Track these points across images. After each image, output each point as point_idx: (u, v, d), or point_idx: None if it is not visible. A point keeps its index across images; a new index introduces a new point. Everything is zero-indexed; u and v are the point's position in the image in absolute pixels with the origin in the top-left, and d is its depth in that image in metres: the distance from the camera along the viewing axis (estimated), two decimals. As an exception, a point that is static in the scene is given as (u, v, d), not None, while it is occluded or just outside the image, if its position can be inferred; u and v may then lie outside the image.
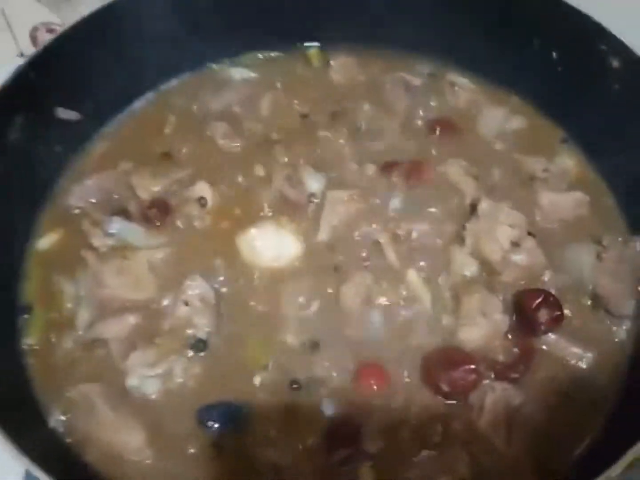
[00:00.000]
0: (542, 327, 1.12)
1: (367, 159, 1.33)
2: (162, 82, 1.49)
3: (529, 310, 1.12)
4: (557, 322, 1.12)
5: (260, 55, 1.53)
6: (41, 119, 1.29)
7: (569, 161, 1.33)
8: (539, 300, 1.12)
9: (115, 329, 1.12)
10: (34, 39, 1.84)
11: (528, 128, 1.39)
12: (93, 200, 1.28)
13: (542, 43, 1.38)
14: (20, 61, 1.82)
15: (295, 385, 1.09)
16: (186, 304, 1.14)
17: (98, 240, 1.20)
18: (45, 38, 1.82)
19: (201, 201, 1.27)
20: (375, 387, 1.09)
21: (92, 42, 1.32)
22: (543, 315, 1.12)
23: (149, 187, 1.28)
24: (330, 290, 1.18)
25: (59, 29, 1.77)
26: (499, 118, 1.40)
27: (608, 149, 1.31)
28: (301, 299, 1.18)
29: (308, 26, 1.53)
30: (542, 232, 1.23)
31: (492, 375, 1.09)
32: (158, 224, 1.25)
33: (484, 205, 1.21)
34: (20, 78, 1.22)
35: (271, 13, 1.47)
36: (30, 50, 1.83)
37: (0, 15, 1.77)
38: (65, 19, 1.78)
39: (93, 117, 1.40)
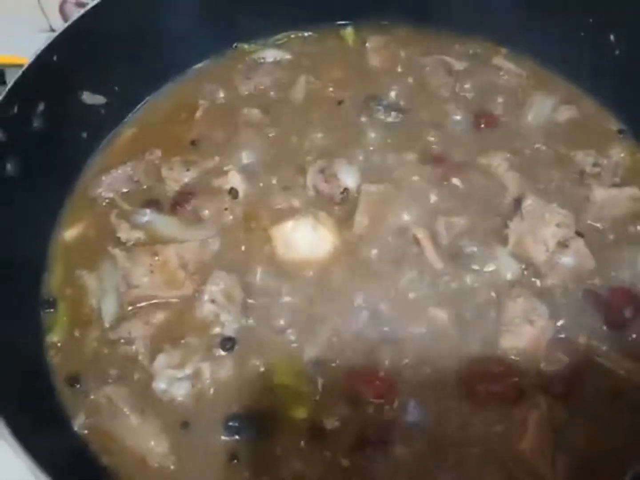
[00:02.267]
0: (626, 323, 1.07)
1: (405, 149, 1.26)
2: (192, 65, 1.43)
3: (618, 305, 1.07)
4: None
5: (293, 36, 1.46)
6: (66, 105, 1.25)
7: (623, 154, 1.24)
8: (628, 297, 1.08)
9: (141, 328, 1.08)
10: (63, 13, 1.80)
11: (579, 118, 1.30)
12: (122, 190, 1.24)
13: (598, 23, 1.28)
14: (51, 36, 1.82)
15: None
16: (212, 301, 1.10)
17: (125, 234, 1.16)
18: (75, 12, 1.78)
19: (232, 192, 1.21)
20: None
21: (117, 21, 1.26)
22: (629, 312, 1.07)
23: (179, 177, 1.24)
24: (367, 290, 1.12)
25: (89, 3, 1.74)
26: (548, 107, 1.31)
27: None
28: (336, 298, 1.12)
29: (343, 3, 1.45)
30: (592, 232, 1.16)
31: (536, 389, 1.02)
32: (189, 215, 1.20)
33: (529, 203, 1.14)
34: (42, 61, 1.16)
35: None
36: (59, 24, 1.79)
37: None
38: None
39: (120, 102, 1.35)
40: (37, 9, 1.78)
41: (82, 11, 1.22)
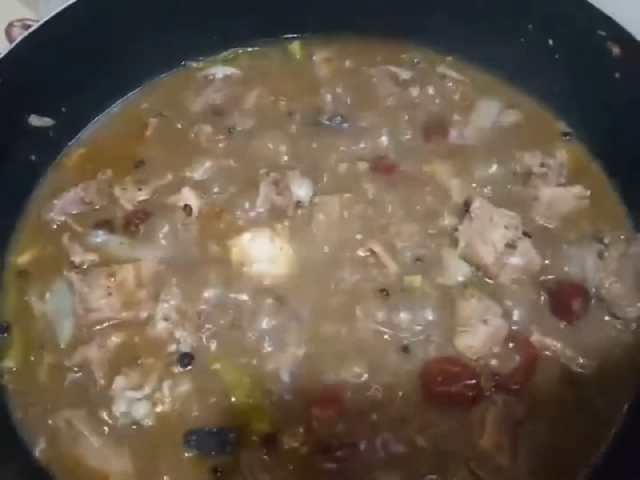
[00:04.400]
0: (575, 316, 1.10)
1: (355, 159, 1.27)
2: (141, 83, 1.42)
3: (566, 299, 1.10)
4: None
5: (241, 51, 1.47)
6: (12, 128, 1.23)
7: (568, 154, 1.27)
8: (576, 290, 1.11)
9: (98, 351, 1.08)
10: (9, 36, 1.78)
11: (524, 121, 1.33)
12: (74, 212, 1.23)
13: (537, 29, 1.31)
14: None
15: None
16: (165, 319, 1.10)
17: (79, 257, 1.16)
18: (21, 35, 1.76)
19: (186, 209, 1.21)
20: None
21: (64, 42, 1.26)
22: (577, 304, 1.10)
23: (132, 196, 1.23)
24: (323, 300, 1.13)
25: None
26: (493, 112, 1.34)
27: (610, 141, 1.25)
28: (292, 309, 1.12)
29: (288, 18, 1.46)
30: (540, 230, 1.19)
31: (493, 387, 1.04)
32: (142, 234, 1.20)
33: (476, 206, 1.16)
34: (-13, 84, 1.15)
35: (249, 6, 1.40)
36: (4, 47, 1.77)
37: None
38: (41, 15, 1.71)
39: (68, 123, 1.34)
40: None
41: (25, 33, 1.21)
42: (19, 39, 1.21)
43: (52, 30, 1.23)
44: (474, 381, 1.04)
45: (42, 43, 1.23)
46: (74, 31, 1.27)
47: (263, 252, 1.17)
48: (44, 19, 1.23)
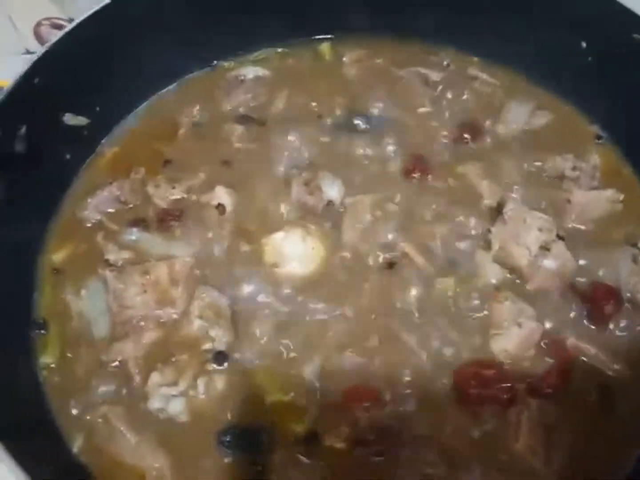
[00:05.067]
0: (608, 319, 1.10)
1: (387, 160, 1.28)
2: (173, 82, 1.44)
3: (599, 302, 1.10)
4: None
5: (270, 51, 1.48)
6: (48, 127, 1.25)
7: (600, 158, 1.27)
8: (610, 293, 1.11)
9: (133, 348, 1.09)
10: (38, 35, 1.80)
11: (555, 123, 1.33)
12: (109, 210, 1.24)
13: (570, 32, 1.31)
14: (25, 58, 1.81)
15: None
16: (200, 317, 1.11)
17: (114, 255, 1.17)
18: (50, 33, 1.78)
19: (219, 207, 1.22)
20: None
21: (98, 42, 1.26)
22: (610, 308, 1.10)
23: (165, 195, 1.24)
24: (356, 301, 1.14)
25: (64, 24, 1.74)
26: (524, 114, 1.34)
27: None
28: (326, 310, 1.13)
29: (318, 18, 1.47)
30: (573, 234, 1.19)
31: (526, 390, 1.04)
32: (176, 232, 1.21)
33: (510, 208, 1.16)
34: (23, 85, 1.16)
35: (279, 6, 1.41)
36: (34, 46, 1.79)
37: (2, 10, 1.72)
38: (69, 13, 1.73)
39: (102, 122, 1.35)
40: (11, 31, 1.78)
41: (60, 33, 1.22)
42: (54, 39, 1.21)
43: (86, 30, 1.24)
44: (508, 384, 1.04)
45: (77, 43, 1.23)
46: (108, 31, 1.27)
47: (295, 251, 1.18)
48: (79, 20, 1.23)
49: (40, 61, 1.19)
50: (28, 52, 1.81)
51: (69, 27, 1.23)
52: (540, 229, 1.13)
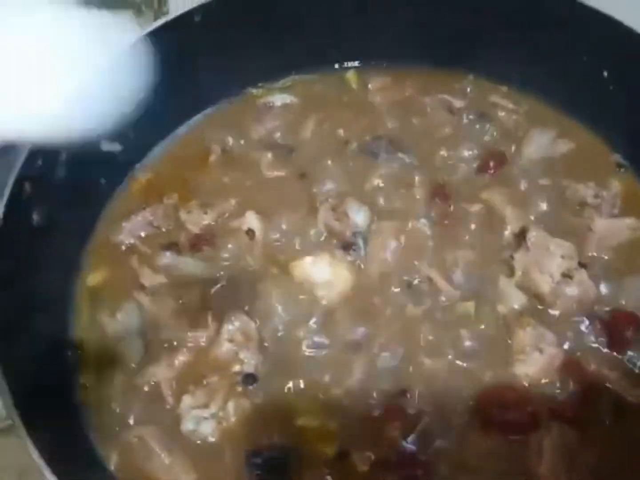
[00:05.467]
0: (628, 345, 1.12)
1: (412, 187, 1.31)
2: (204, 110, 1.48)
3: (621, 328, 1.12)
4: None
5: (298, 79, 1.52)
6: (86, 153, 1.29)
7: (621, 185, 1.30)
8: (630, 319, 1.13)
9: (166, 370, 1.12)
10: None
11: (577, 151, 1.36)
12: (142, 234, 1.29)
13: (591, 61, 1.34)
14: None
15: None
16: (230, 340, 1.14)
17: (148, 279, 1.21)
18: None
19: (249, 232, 1.26)
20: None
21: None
22: (631, 333, 1.12)
23: (197, 220, 1.28)
24: (380, 325, 1.17)
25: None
26: (546, 141, 1.37)
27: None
28: (352, 333, 1.17)
29: (344, 46, 1.51)
30: (594, 261, 1.21)
31: (549, 415, 1.07)
32: (208, 256, 1.25)
33: (533, 235, 1.19)
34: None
35: (306, 34, 1.45)
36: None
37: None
38: (99, 35, 1.78)
39: (135, 148, 1.39)
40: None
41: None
42: (92, 70, 1.25)
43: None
44: (530, 409, 1.07)
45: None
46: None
47: (323, 276, 1.21)
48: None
49: (79, 91, 1.23)
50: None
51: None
52: (562, 257, 1.16)
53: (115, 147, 1.35)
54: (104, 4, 1.73)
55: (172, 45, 1.33)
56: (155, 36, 1.31)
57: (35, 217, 1.16)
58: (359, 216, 1.26)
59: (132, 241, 1.28)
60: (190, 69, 1.39)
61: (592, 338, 1.15)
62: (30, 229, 1.15)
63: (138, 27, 1.75)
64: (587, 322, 1.16)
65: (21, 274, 1.11)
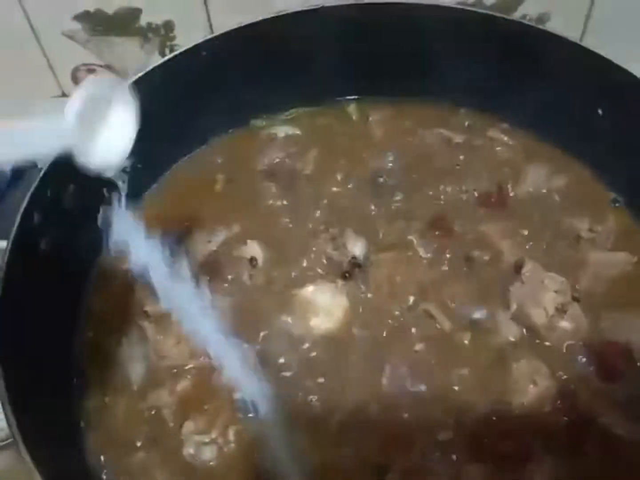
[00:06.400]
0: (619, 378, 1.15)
1: (410, 219, 1.34)
2: (208, 140, 1.52)
3: (612, 360, 1.15)
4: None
5: (300, 111, 1.56)
6: (93, 182, 1.31)
7: (616, 220, 1.33)
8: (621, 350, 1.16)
9: (168, 396, 1.15)
10: (75, 79, 1.90)
11: (572, 186, 1.39)
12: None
13: (585, 100, 1.37)
14: (63, 101, 1.90)
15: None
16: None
17: (151, 306, 1.23)
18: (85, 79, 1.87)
19: (252, 261, 1.29)
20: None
21: (139, 105, 1.34)
22: (622, 364, 1.15)
23: (200, 248, 1.31)
24: (379, 355, 1.19)
25: (99, 70, 1.84)
26: (542, 176, 1.40)
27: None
28: (349, 363, 1.19)
29: (344, 80, 1.53)
30: (588, 295, 1.24)
31: (542, 447, 1.09)
32: (210, 284, 1.27)
33: (528, 268, 1.22)
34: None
35: (307, 68, 1.48)
36: (71, 89, 1.89)
37: (42, 55, 1.82)
38: (106, 61, 1.83)
39: (140, 178, 1.40)
40: (50, 75, 1.88)
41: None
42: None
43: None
44: (523, 440, 1.09)
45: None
46: (150, 93, 1.33)
47: (323, 305, 1.24)
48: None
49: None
50: (64, 95, 1.90)
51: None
52: (556, 291, 1.19)
53: (122, 177, 1.38)
54: (111, 31, 1.80)
55: (178, 79, 1.38)
56: (164, 68, 1.35)
57: (42, 245, 1.19)
58: (356, 247, 1.29)
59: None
60: (195, 101, 1.43)
61: (585, 370, 1.17)
62: (37, 256, 1.18)
63: (144, 55, 1.81)
64: (580, 355, 1.18)
65: (25, 298, 1.13)
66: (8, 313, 1.07)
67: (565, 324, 1.18)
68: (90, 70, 1.91)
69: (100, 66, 1.88)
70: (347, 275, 1.27)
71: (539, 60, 1.40)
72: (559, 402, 1.13)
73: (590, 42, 1.35)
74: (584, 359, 1.18)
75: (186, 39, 1.69)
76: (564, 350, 1.18)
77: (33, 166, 1.27)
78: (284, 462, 1.08)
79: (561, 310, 1.18)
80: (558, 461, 1.07)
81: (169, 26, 1.77)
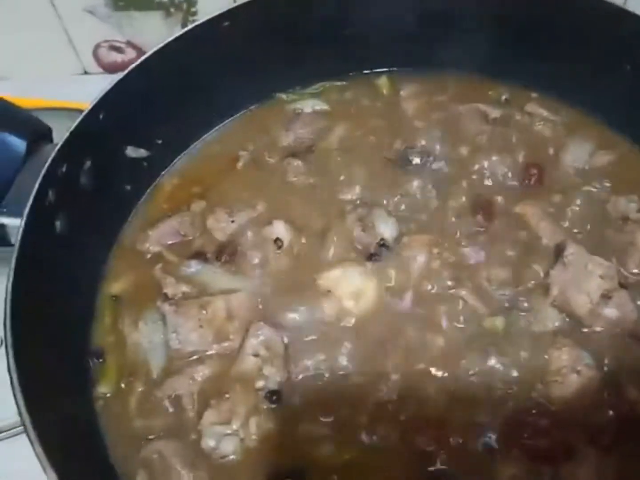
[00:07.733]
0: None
1: (443, 198, 1.27)
2: (232, 115, 1.46)
3: None
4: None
5: (328, 85, 1.48)
6: (111, 160, 1.27)
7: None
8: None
9: (187, 384, 1.10)
10: (96, 57, 1.86)
11: (618, 163, 1.30)
12: (169, 243, 1.26)
13: (634, 68, 1.28)
14: (85, 78, 1.87)
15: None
16: (254, 354, 1.11)
17: (172, 289, 1.18)
18: (108, 55, 1.83)
19: (277, 242, 1.23)
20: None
21: (161, 77, 1.28)
22: None
23: (224, 228, 1.25)
24: (409, 339, 1.13)
25: (122, 47, 1.79)
26: (585, 153, 1.31)
27: None
28: (376, 349, 1.13)
29: (375, 52, 1.47)
30: (636, 280, 1.16)
31: (584, 442, 1.01)
32: (234, 266, 1.22)
33: (570, 252, 1.14)
34: (89, 120, 1.17)
35: (337, 40, 1.42)
36: (93, 67, 1.85)
37: (63, 33, 1.78)
38: (127, 36, 1.78)
39: (161, 154, 1.37)
40: (71, 53, 1.84)
41: (126, 71, 1.24)
42: (120, 75, 1.23)
43: (151, 65, 1.26)
44: (564, 435, 1.02)
45: (142, 78, 1.26)
46: (172, 66, 1.29)
47: (350, 288, 1.18)
48: (145, 56, 1.25)
49: (106, 96, 1.21)
50: (86, 72, 1.87)
51: (135, 63, 1.25)
52: (601, 277, 1.11)
53: (142, 153, 1.34)
54: (133, 5, 1.75)
55: (200, 50, 1.31)
56: (184, 40, 1.29)
57: (58, 224, 1.14)
58: (386, 228, 1.22)
59: (158, 249, 1.25)
60: (219, 74, 1.37)
61: (632, 360, 1.09)
62: (53, 237, 1.13)
63: (166, 29, 1.76)
64: (626, 344, 1.10)
65: (43, 281, 1.09)
66: (22, 296, 1.01)
67: (610, 311, 1.10)
68: (113, 47, 1.86)
69: (122, 42, 1.83)
70: (374, 257, 1.20)
71: (582, 34, 1.31)
72: (604, 394, 1.05)
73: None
74: (631, 349, 1.10)
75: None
76: (610, 339, 1.10)
77: (48, 141, 1.23)
78: None
79: (606, 297, 1.10)
80: (604, 457, 1.00)
81: (190, 1, 1.72)
